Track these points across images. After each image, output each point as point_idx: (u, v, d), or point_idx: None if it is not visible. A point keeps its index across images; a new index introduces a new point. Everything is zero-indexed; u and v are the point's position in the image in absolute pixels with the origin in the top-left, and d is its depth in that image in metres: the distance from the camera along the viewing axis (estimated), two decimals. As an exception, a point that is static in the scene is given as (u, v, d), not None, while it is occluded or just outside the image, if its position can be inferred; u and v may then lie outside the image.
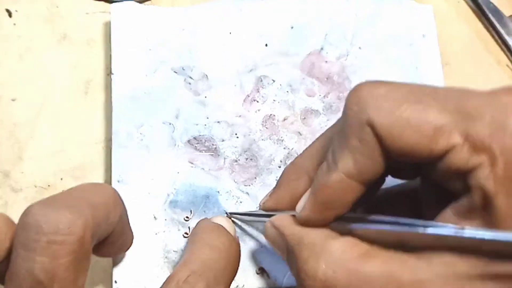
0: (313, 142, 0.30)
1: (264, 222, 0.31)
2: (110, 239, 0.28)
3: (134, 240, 0.34)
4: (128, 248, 0.32)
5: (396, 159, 0.24)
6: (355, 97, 0.24)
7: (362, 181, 0.25)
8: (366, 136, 0.24)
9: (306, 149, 0.31)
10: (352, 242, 0.25)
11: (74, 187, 0.27)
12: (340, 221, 0.26)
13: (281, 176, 0.31)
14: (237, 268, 0.29)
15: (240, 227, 0.35)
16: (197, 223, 0.32)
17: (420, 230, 0.23)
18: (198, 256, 0.27)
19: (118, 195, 0.28)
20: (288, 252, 0.27)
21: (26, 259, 0.22)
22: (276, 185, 0.31)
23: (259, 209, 0.33)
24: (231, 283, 0.28)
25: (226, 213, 0.35)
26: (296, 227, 0.27)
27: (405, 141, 0.23)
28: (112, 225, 0.27)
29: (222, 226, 0.30)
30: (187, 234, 0.35)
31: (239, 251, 0.30)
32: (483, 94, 0.24)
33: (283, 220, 0.28)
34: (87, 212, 0.24)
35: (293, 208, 0.29)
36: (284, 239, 0.28)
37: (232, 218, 0.34)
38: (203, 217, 0.35)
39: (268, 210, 0.31)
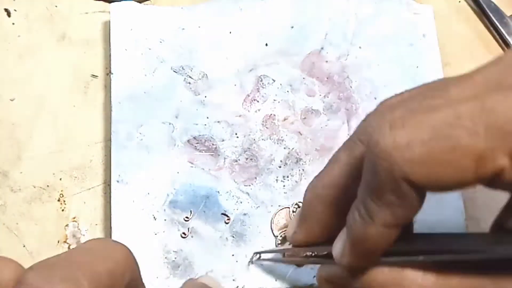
0: (330, 167, 0.29)
1: (291, 261, 0.31)
2: None
3: (133, 240, 0.34)
4: None
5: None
6: (380, 150, 0.22)
7: (401, 225, 0.24)
8: (404, 191, 0.22)
9: (324, 175, 0.29)
10: None
11: (81, 246, 0.25)
12: (389, 256, 0.25)
13: (304, 207, 0.30)
14: None
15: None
16: (183, 284, 0.31)
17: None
18: None
19: (131, 256, 0.26)
20: None
21: None
22: (301, 216, 0.30)
23: (286, 242, 0.32)
24: None
25: (255, 253, 0.34)
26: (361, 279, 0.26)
27: (448, 180, 0.21)
28: None
29: (206, 285, 0.30)
30: (185, 234, 0.35)
31: None
32: (506, 95, 0.21)
33: (336, 272, 0.27)
34: (86, 287, 0.22)
35: (323, 239, 0.29)
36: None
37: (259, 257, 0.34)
38: (203, 218, 0.35)
39: (298, 244, 0.31)
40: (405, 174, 0.22)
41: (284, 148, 0.37)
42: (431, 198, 0.36)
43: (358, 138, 0.26)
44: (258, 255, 0.34)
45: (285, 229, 0.35)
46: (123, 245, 0.26)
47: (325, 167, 0.29)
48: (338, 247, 0.26)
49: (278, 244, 0.35)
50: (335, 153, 0.28)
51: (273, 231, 0.35)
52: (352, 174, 0.26)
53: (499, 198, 0.39)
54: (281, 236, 0.35)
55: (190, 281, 0.32)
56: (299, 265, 0.33)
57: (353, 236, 0.25)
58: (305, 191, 0.30)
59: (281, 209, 0.35)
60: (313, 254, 0.30)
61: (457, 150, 0.21)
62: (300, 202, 0.36)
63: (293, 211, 0.35)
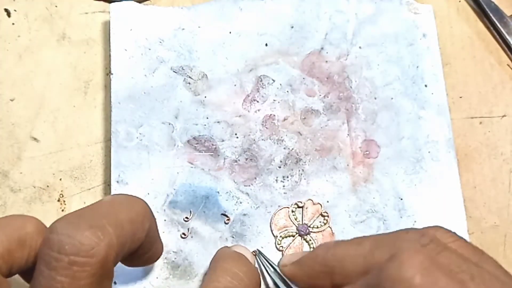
0: (352, 241, 0.29)
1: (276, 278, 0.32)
2: (138, 252, 0.28)
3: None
4: (157, 259, 0.32)
5: None
6: (394, 274, 0.23)
7: None
8: None
9: (343, 244, 0.29)
10: None
11: (103, 200, 0.27)
12: None
13: (309, 255, 0.31)
14: None
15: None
16: (217, 251, 0.32)
17: None
18: (219, 283, 0.28)
19: (148, 208, 0.28)
20: None
21: (47, 277, 0.22)
22: (301, 259, 0.31)
23: (284, 241, 0.33)
24: None
25: (257, 250, 0.34)
26: None
27: None
28: (139, 241, 0.27)
29: (242, 254, 0.31)
30: (184, 234, 0.35)
31: (259, 280, 0.31)
32: None
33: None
34: (112, 232, 0.24)
35: (305, 283, 0.30)
36: None
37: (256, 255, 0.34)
38: (202, 218, 0.35)
39: (283, 273, 0.32)
40: None
41: (284, 148, 0.37)
42: (431, 198, 0.37)
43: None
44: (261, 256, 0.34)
45: (284, 229, 0.35)
46: (141, 199, 0.28)
47: (348, 240, 0.29)
48: (289, 258, 0.30)
49: (278, 244, 0.35)
50: (361, 238, 0.29)
51: (273, 231, 0.35)
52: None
53: (499, 198, 0.39)
54: (280, 236, 0.35)
55: (224, 249, 0.33)
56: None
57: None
58: (321, 245, 0.31)
59: (280, 209, 0.35)
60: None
61: None
62: (299, 202, 0.36)
63: (292, 211, 0.35)
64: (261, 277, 0.33)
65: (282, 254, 0.34)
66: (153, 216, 0.29)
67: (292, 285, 0.31)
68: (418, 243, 0.25)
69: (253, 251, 0.34)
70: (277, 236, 0.35)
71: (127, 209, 0.26)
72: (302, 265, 0.31)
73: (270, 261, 0.34)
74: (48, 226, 0.25)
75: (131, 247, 0.26)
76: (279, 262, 0.33)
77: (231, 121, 0.37)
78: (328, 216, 0.36)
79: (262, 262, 0.34)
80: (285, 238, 0.35)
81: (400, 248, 0.25)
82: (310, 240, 0.35)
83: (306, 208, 0.36)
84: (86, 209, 0.25)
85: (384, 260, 0.25)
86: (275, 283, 0.33)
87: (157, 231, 0.30)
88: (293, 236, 0.35)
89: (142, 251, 0.28)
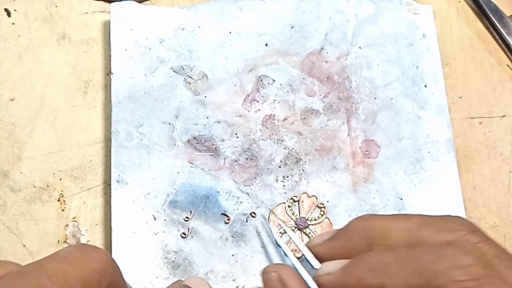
0: (395, 216, 0.29)
1: (285, 252, 0.32)
2: None
3: (133, 240, 0.34)
4: None
5: None
6: (456, 258, 0.23)
7: None
8: None
9: (385, 217, 0.29)
10: None
11: (55, 254, 0.24)
12: None
13: (345, 228, 0.30)
14: None
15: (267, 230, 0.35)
16: (168, 286, 0.30)
17: None
18: None
19: (109, 263, 0.25)
20: None
21: None
22: (336, 233, 0.30)
23: (306, 244, 0.32)
24: None
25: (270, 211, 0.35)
26: None
27: None
28: None
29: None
30: (185, 234, 0.35)
31: None
32: None
33: (294, 280, 0.28)
34: None
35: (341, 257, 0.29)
36: None
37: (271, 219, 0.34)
38: (203, 218, 0.35)
39: (314, 253, 0.30)
40: None
41: (284, 148, 0.37)
42: (431, 198, 0.37)
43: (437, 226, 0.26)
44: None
45: (281, 226, 0.35)
46: (102, 250, 0.25)
47: (389, 215, 0.29)
48: (330, 265, 0.27)
49: (278, 233, 0.35)
50: (409, 214, 0.29)
51: (271, 228, 0.35)
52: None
53: (499, 198, 0.39)
54: (280, 232, 0.35)
55: (177, 282, 0.30)
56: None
57: (353, 271, 0.26)
58: (356, 218, 0.29)
59: (277, 205, 0.36)
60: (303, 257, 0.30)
61: None
62: (295, 196, 0.36)
63: (288, 206, 0.35)
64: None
65: (283, 251, 0.34)
66: (117, 270, 0.26)
67: (309, 261, 0.30)
68: (470, 230, 0.25)
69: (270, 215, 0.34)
70: (276, 232, 0.35)
71: (80, 266, 0.23)
72: (339, 239, 0.29)
73: (288, 233, 0.34)
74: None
75: None
76: (308, 243, 0.32)
77: (231, 121, 0.37)
78: (324, 208, 0.36)
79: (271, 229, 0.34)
80: (284, 234, 0.35)
81: (455, 233, 0.25)
82: (309, 233, 0.35)
83: (302, 202, 0.36)
84: (33, 266, 0.23)
85: (440, 242, 0.25)
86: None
87: (123, 284, 0.27)
88: (292, 231, 0.35)
89: None
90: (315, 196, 0.36)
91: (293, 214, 0.35)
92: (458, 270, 0.23)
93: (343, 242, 0.29)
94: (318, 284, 0.27)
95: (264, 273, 0.28)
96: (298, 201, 0.36)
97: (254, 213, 0.35)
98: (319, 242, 0.30)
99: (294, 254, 0.32)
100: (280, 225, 0.34)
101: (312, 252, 0.30)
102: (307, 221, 0.35)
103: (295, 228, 0.35)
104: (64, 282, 0.22)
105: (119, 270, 0.26)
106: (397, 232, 0.27)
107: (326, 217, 0.35)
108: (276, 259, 0.34)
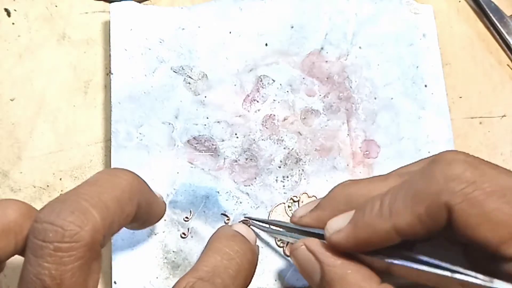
0: (373, 180, 0.29)
1: (285, 234, 0.31)
2: (135, 220, 0.28)
3: (133, 241, 0.34)
4: (158, 220, 0.32)
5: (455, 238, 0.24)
6: (445, 172, 0.24)
7: (406, 237, 0.25)
8: (437, 215, 0.24)
9: (364, 181, 0.29)
10: None
11: (87, 181, 0.26)
12: (376, 254, 0.26)
13: (328, 196, 0.30)
14: (252, 276, 0.29)
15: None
16: (216, 230, 0.32)
17: (447, 273, 0.23)
18: (207, 263, 0.27)
19: (136, 181, 0.27)
20: (323, 281, 0.27)
21: (34, 264, 0.23)
22: (319, 205, 0.30)
23: (291, 219, 0.32)
24: None
25: (246, 218, 0.35)
26: (338, 260, 0.27)
27: (478, 235, 0.23)
28: (129, 216, 0.26)
29: (239, 233, 0.30)
30: (184, 234, 0.35)
31: (255, 259, 0.30)
32: None
33: (320, 246, 0.28)
34: (96, 215, 0.24)
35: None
36: (319, 267, 0.27)
37: (250, 224, 0.34)
38: (202, 218, 0.35)
39: (301, 225, 0.31)
40: (450, 202, 0.23)
41: (284, 148, 0.37)
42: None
43: (416, 172, 0.27)
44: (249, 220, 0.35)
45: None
46: (128, 171, 0.27)
47: (368, 178, 0.29)
48: (336, 223, 0.27)
49: (278, 240, 0.35)
50: (385, 174, 0.29)
51: (270, 227, 0.35)
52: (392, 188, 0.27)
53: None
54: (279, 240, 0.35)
55: (222, 228, 0.32)
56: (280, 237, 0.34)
57: (360, 221, 0.26)
58: (337, 185, 0.30)
59: (277, 206, 0.36)
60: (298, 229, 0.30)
61: (506, 216, 0.23)
62: (294, 196, 0.36)
63: (288, 206, 0.35)
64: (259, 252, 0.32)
65: (283, 251, 0.34)
66: (144, 184, 0.28)
67: (310, 230, 0.30)
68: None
69: (242, 220, 0.34)
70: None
71: (111, 187, 0.26)
72: (324, 208, 0.30)
73: (266, 220, 0.34)
74: None
75: (121, 223, 0.26)
76: (291, 218, 0.32)
77: (231, 121, 0.37)
78: None
79: (259, 227, 0.34)
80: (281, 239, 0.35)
81: (435, 159, 0.25)
82: None
83: (302, 202, 0.36)
84: (69, 194, 0.25)
85: (422, 165, 0.26)
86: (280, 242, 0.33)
87: (152, 196, 0.29)
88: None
89: (139, 219, 0.28)
90: (315, 197, 0.36)
91: None
92: (453, 181, 0.23)
93: (328, 211, 0.29)
94: (332, 244, 0.27)
95: (293, 250, 0.29)
96: (298, 201, 0.36)
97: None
98: (304, 214, 0.31)
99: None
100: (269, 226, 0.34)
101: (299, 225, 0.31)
102: None
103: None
104: (100, 202, 0.24)
105: (146, 185, 0.28)
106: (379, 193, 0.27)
107: None
108: (276, 259, 0.34)
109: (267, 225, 0.34)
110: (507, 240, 0.22)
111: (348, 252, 0.27)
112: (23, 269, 0.23)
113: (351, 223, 0.26)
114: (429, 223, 0.24)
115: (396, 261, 0.25)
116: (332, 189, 0.30)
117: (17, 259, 0.25)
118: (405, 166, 0.29)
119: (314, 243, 0.28)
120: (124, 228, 0.34)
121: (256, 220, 0.34)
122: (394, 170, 0.29)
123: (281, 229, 0.32)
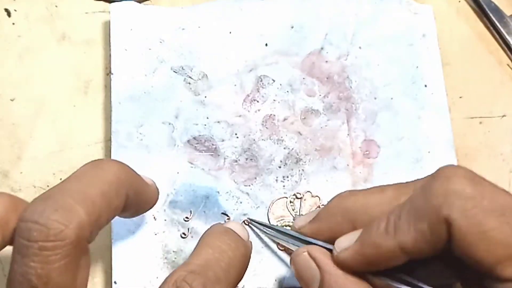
0: (371, 192, 0.29)
1: (286, 239, 0.31)
2: (124, 211, 0.28)
3: (133, 241, 0.34)
4: (153, 205, 0.31)
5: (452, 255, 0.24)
6: (444, 187, 0.24)
7: (411, 256, 0.25)
8: (439, 230, 0.24)
9: (361, 193, 0.29)
10: None
11: (72, 176, 0.26)
12: (378, 275, 0.26)
13: (326, 208, 0.30)
14: (244, 270, 0.29)
15: (253, 230, 0.35)
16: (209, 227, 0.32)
17: None
18: (199, 256, 0.27)
19: (123, 172, 0.27)
20: None
21: (21, 264, 0.22)
22: (317, 216, 0.30)
23: (292, 228, 0.32)
24: (236, 284, 0.28)
25: (247, 219, 0.35)
26: (339, 271, 0.27)
27: (475, 253, 0.23)
28: (118, 208, 0.26)
29: (231, 229, 0.30)
30: (185, 234, 0.35)
31: (248, 253, 0.30)
32: None
33: (323, 254, 0.28)
34: (81, 211, 0.23)
35: (327, 242, 0.29)
36: (319, 275, 0.27)
37: (250, 225, 0.35)
38: (203, 218, 0.35)
39: (304, 233, 0.31)
40: (450, 217, 0.23)
41: (284, 148, 0.37)
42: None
43: (415, 186, 0.27)
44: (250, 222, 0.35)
45: (281, 218, 0.35)
46: (115, 162, 0.27)
47: (365, 189, 0.29)
48: (344, 241, 0.27)
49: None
50: (382, 186, 0.29)
51: (270, 220, 0.35)
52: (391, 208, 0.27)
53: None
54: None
55: (214, 225, 0.32)
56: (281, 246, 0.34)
57: (367, 240, 0.26)
58: (335, 197, 0.30)
59: (278, 199, 0.36)
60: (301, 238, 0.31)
61: (505, 236, 0.23)
62: (298, 193, 0.36)
63: (290, 201, 0.36)
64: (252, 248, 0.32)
65: (281, 249, 0.35)
66: (133, 174, 0.27)
67: (312, 241, 0.30)
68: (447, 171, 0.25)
69: (244, 221, 0.34)
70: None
71: (97, 181, 0.25)
72: (322, 220, 0.30)
73: (267, 224, 0.34)
74: None
75: (109, 217, 0.26)
76: (292, 226, 0.32)
77: (231, 121, 0.37)
78: None
79: (261, 229, 0.34)
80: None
81: (435, 175, 0.25)
82: None
83: (305, 200, 0.36)
84: (54, 190, 0.25)
85: (422, 183, 0.26)
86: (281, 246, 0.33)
87: (142, 185, 0.29)
88: (289, 226, 0.35)
89: (129, 209, 0.28)
90: (318, 197, 0.36)
91: (293, 210, 0.36)
92: (453, 196, 0.23)
93: (326, 223, 0.29)
94: (339, 262, 0.27)
95: (295, 256, 0.29)
96: (301, 198, 0.36)
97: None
98: (304, 225, 0.31)
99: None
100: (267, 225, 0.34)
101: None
102: None
103: (292, 223, 0.35)
104: (85, 197, 0.24)
105: (135, 175, 0.28)
106: (377, 206, 0.27)
107: None
108: (276, 259, 0.34)
109: (268, 228, 0.34)
110: (503, 260, 0.22)
111: (354, 271, 0.27)
112: (11, 269, 0.23)
113: (358, 241, 0.26)
114: (432, 239, 0.24)
115: (395, 284, 0.25)
116: (330, 200, 0.30)
117: None
118: (402, 183, 0.29)
119: (318, 250, 0.28)
120: (124, 228, 0.34)
121: (258, 223, 0.34)
122: (391, 184, 0.29)
123: (281, 235, 0.33)
